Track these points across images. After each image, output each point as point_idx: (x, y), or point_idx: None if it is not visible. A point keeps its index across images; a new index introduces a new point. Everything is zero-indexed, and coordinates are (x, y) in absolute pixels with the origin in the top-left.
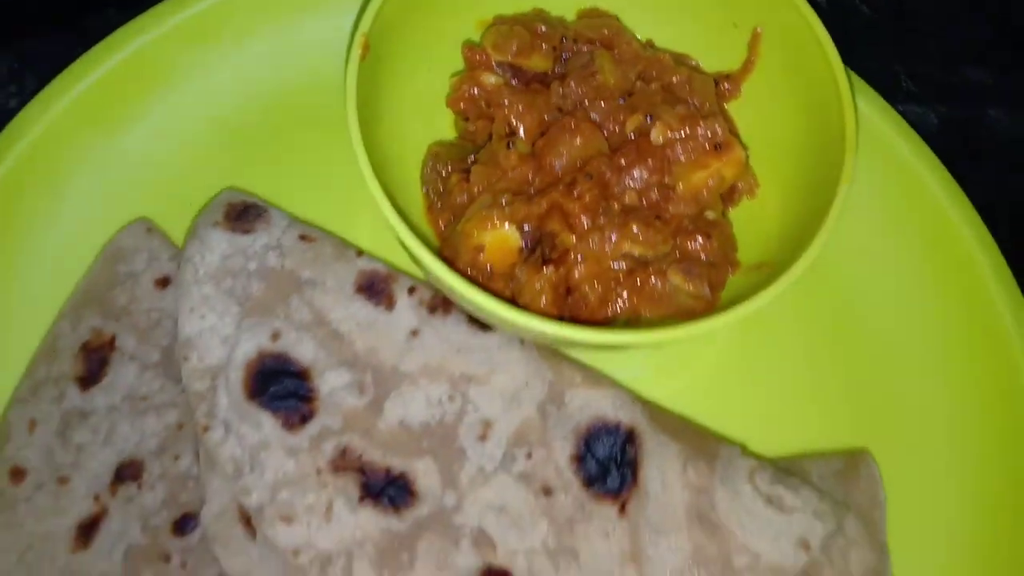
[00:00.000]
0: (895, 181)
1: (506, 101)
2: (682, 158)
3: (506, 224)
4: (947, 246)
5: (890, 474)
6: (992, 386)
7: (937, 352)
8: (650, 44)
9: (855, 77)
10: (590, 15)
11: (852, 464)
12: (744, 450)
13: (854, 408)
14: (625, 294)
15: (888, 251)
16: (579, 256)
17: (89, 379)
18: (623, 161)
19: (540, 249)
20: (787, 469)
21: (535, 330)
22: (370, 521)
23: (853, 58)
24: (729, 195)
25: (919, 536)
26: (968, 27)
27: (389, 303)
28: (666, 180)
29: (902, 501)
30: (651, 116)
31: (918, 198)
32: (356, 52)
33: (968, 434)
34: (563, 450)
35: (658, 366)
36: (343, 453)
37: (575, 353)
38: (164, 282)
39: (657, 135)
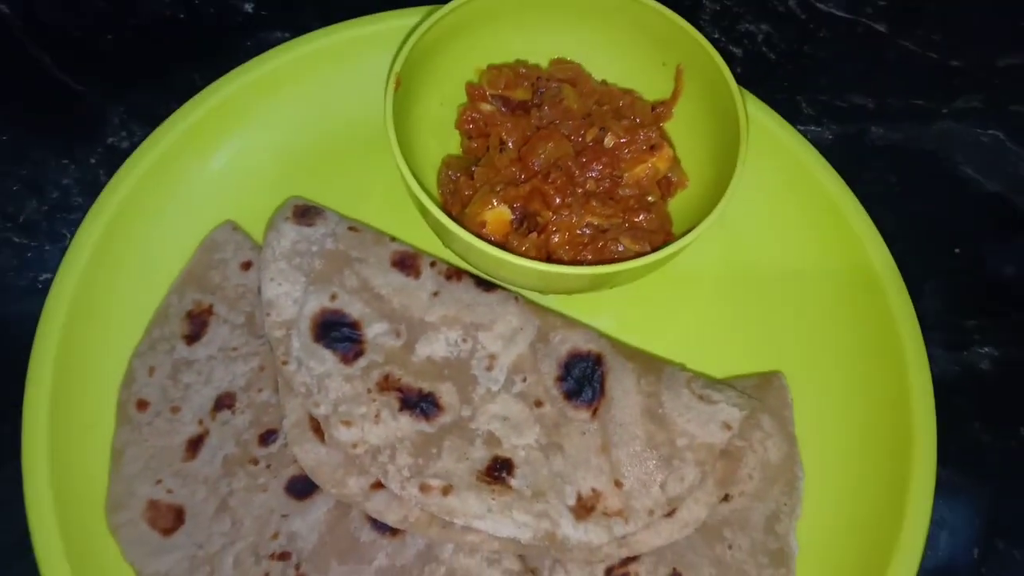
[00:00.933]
0: (788, 168)
1: (499, 122)
2: (627, 156)
3: (501, 204)
4: (830, 216)
5: (797, 390)
6: (866, 314)
7: (825, 295)
8: (604, 81)
9: (762, 104)
10: (559, 62)
11: (766, 380)
12: (683, 367)
13: (766, 342)
14: (589, 255)
15: (787, 219)
16: (554, 227)
17: (193, 337)
18: (584, 160)
19: (526, 223)
20: (714, 383)
21: (526, 269)
22: (408, 425)
23: (763, 91)
24: (667, 187)
25: (820, 431)
26: (852, 63)
27: (416, 273)
28: (615, 173)
29: (805, 406)
30: (604, 128)
31: (807, 179)
32: (391, 86)
33: (853, 352)
34: (549, 374)
35: (618, 317)
36: (386, 378)
37: (556, 307)
38: (247, 265)
39: (609, 141)
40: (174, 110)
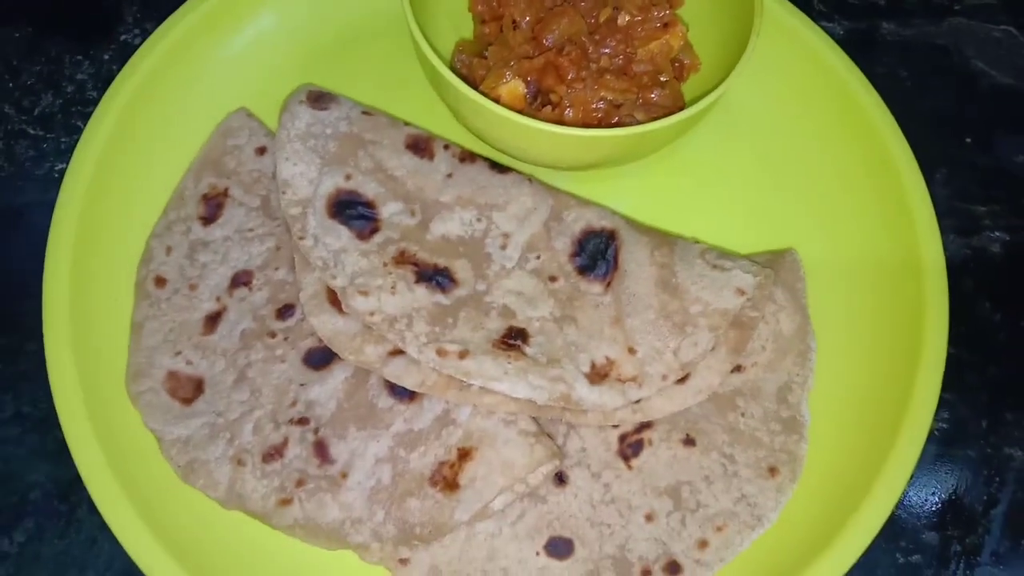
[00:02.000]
0: (801, 54)
1: (512, 2)
2: (641, 33)
3: (515, 78)
4: (843, 98)
5: (810, 266)
6: (879, 192)
7: (838, 175)
8: None
9: None
10: None
11: (779, 255)
12: (697, 240)
13: (780, 223)
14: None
15: (800, 102)
16: (568, 102)
17: (209, 219)
18: (597, 37)
19: (540, 97)
20: (727, 254)
21: (543, 133)
22: (424, 296)
23: None
24: (680, 71)
25: (832, 304)
26: None
27: (430, 155)
28: (629, 50)
29: (817, 282)
30: (617, 8)
31: (819, 62)
32: None
33: (866, 229)
34: (563, 251)
35: (631, 203)
36: (401, 253)
37: (572, 189)
38: (261, 150)
39: (623, 19)
40: None
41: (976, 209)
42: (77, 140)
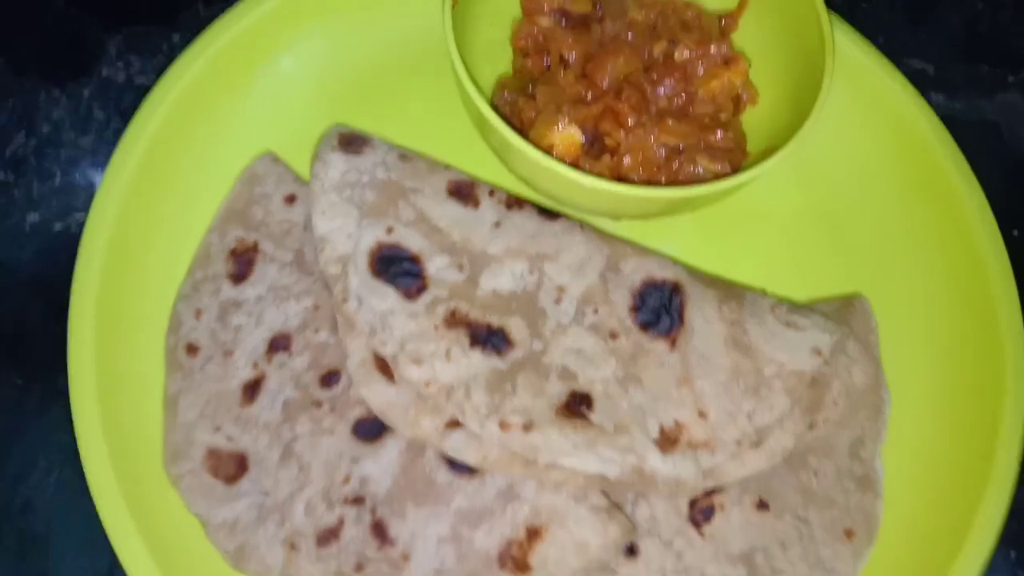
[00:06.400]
0: (861, 81)
1: (559, 37)
2: (701, 71)
3: (571, 125)
4: (916, 149)
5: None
6: (948, 243)
7: (907, 226)
8: None
9: (835, 16)
10: None
11: (848, 303)
12: (765, 292)
13: (845, 270)
14: (663, 177)
15: (866, 145)
16: (627, 148)
17: (239, 276)
18: (655, 75)
19: (597, 144)
20: (798, 308)
21: (606, 192)
22: (480, 361)
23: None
24: (737, 104)
25: (905, 356)
26: (913, 24)
27: (475, 203)
28: (689, 88)
29: (889, 331)
30: (673, 41)
31: (887, 106)
32: (448, 3)
33: (938, 283)
34: (623, 304)
35: (691, 244)
36: (452, 314)
37: (622, 234)
38: (291, 199)
39: (680, 55)
40: (175, 40)
41: None
42: (51, 187)
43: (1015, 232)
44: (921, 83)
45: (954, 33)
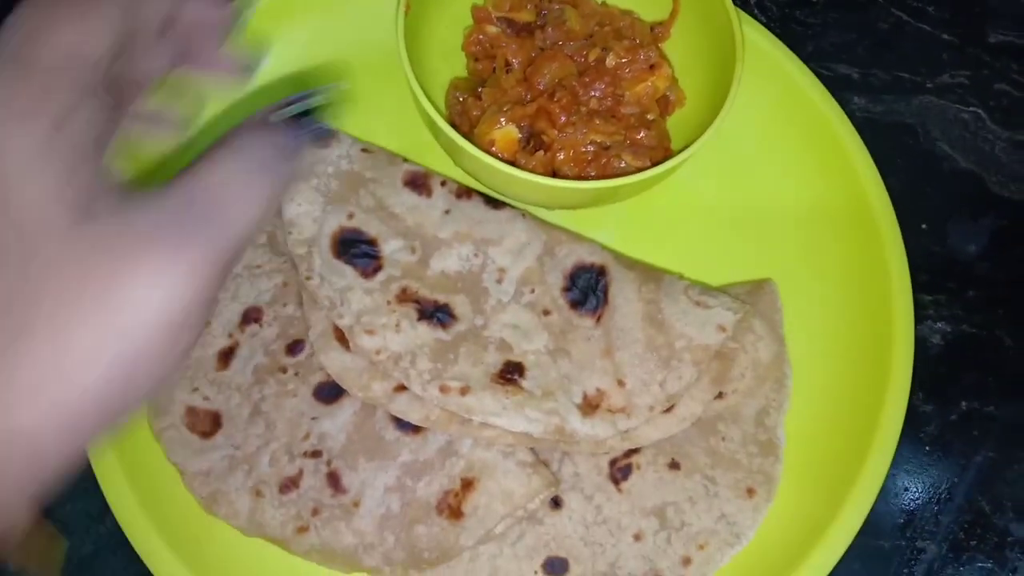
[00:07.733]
0: (777, 84)
1: (504, 43)
2: (628, 75)
3: (509, 124)
4: (825, 139)
5: (787, 298)
6: (851, 227)
7: (817, 215)
8: (603, 3)
9: (759, 25)
10: None
11: (759, 286)
12: (681, 276)
13: (759, 256)
14: (592, 172)
15: (782, 139)
16: (559, 145)
17: None
18: (587, 79)
19: (532, 141)
20: (709, 290)
21: (536, 184)
22: (426, 333)
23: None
24: (666, 105)
25: (807, 334)
26: (842, 31)
27: (429, 192)
28: (617, 91)
29: (794, 312)
30: (605, 49)
31: (795, 96)
32: (402, 10)
33: (837, 266)
34: (556, 285)
35: (619, 233)
36: (404, 291)
37: (560, 223)
38: None
39: (611, 61)
40: None
41: (922, 298)
42: None
43: (923, 225)
44: (846, 87)
45: (879, 40)
